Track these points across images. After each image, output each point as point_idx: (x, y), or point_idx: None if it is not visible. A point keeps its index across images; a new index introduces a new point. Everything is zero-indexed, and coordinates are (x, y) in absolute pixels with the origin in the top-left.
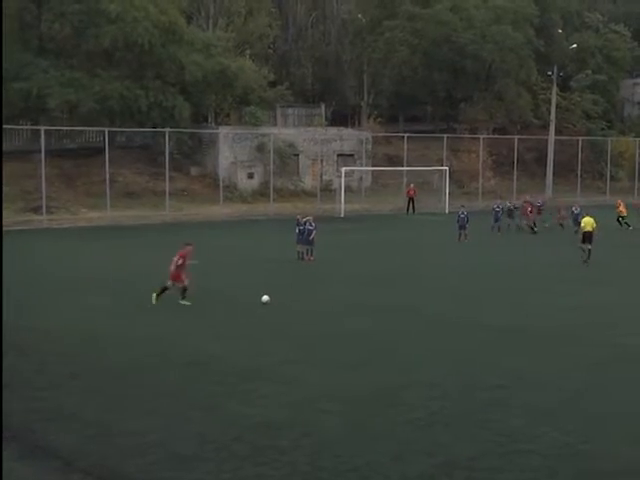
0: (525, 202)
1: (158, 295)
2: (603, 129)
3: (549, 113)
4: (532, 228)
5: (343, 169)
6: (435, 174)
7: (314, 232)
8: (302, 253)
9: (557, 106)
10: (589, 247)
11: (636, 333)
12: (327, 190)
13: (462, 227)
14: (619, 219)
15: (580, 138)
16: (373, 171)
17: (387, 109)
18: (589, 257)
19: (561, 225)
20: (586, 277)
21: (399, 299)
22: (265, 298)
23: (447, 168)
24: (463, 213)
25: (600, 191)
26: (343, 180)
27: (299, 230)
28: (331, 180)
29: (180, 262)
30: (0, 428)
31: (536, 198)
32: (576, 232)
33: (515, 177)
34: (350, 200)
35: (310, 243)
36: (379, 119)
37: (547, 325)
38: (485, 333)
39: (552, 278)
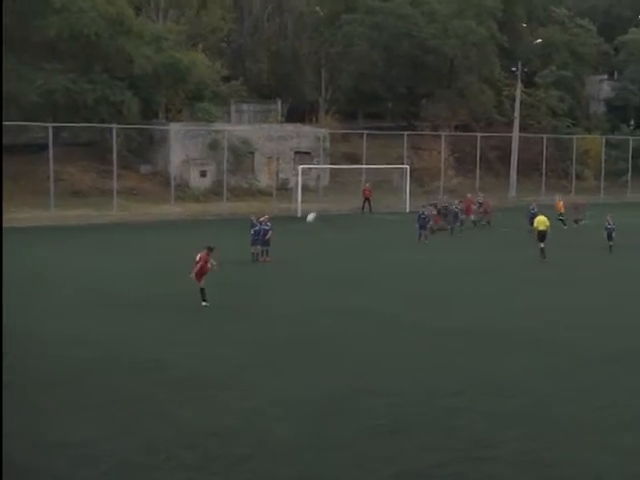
0: (465, 200)
1: (204, 299)
2: (569, 126)
3: (513, 110)
4: (475, 224)
5: (300, 167)
6: (395, 173)
7: (270, 232)
8: (257, 254)
9: (521, 103)
10: (542, 245)
11: (599, 336)
12: (283, 189)
13: (422, 227)
14: (560, 218)
15: (545, 136)
16: (331, 169)
17: (346, 105)
18: (544, 256)
19: (488, 223)
20: (546, 278)
21: (358, 301)
22: (311, 216)
23: (408, 166)
24: (424, 213)
25: (565, 190)
26: (300, 179)
27: (254, 231)
28: (287, 179)
29: (201, 265)
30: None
31: (477, 197)
32: (529, 232)
33: (478, 176)
34: (307, 199)
35: (266, 244)
36: (337, 115)
37: (508, 327)
38: (445, 336)
39: (512, 278)
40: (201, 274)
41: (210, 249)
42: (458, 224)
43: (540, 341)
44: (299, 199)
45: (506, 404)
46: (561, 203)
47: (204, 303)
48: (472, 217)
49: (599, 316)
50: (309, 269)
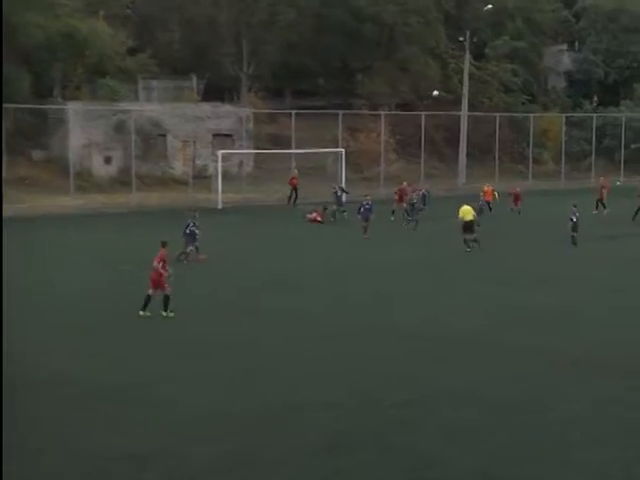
0: (400, 188)
1: (144, 310)
2: (524, 104)
3: (461, 85)
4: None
5: (220, 152)
6: (329, 157)
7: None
8: (186, 254)
9: (470, 77)
10: (473, 237)
11: (563, 339)
12: (201, 177)
13: (366, 219)
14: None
15: (498, 114)
16: (256, 154)
17: (271, 81)
18: (479, 246)
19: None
20: (494, 275)
21: (291, 303)
22: None
23: (343, 150)
24: (368, 204)
25: (522, 176)
26: (220, 165)
27: (190, 230)
28: (206, 165)
29: (161, 266)
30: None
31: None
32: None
33: (423, 160)
34: (229, 189)
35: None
36: (262, 93)
37: (464, 329)
38: (391, 340)
39: (456, 274)
40: (162, 277)
41: (164, 244)
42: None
43: (498, 344)
44: (219, 188)
45: (460, 415)
46: (490, 189)
47: (166, 314)
48: (404, 206)
49: (560, 317)
50: (234, 268)
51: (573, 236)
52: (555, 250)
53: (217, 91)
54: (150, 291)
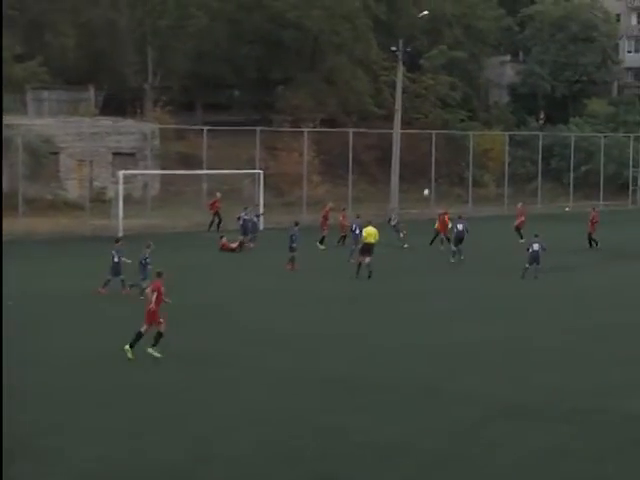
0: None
1: (132, 346)
2: (463, 120)
3: (394, 100)
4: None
5: (121, 173)
6: (246, 179)
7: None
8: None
9: (404, 91)
10: (368, 260)
11: (498, 383)
12: (99, 201)
13: (292, 249)
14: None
15: (434, 132)
16: (162, 175)
17: (180, 94)
18: (370, 274)
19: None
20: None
21: (202, 343)
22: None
23: (261, 171)
24: (296, 232)
25: (461, 200)
26: (121, 187)
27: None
28: (105, 187)
29: (155, 297)
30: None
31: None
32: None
33: (351, 183)
34: (132, 214)
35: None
36: (169, 107)
37: (387, 374)
38: (313, 384)
39: (389, 312)
40: (157, 311)
41: (160, 274)
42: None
43: (439, 390)
44: (120, 214)
45: (390, 474)
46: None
47: (152, 351)
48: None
49: (494, 357)
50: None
51: (527, 268)
52: (497, 283)
53: (118, 104)
54: (144, 327)
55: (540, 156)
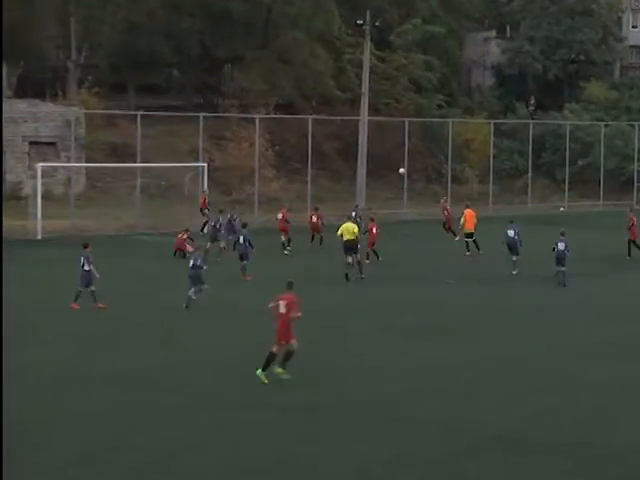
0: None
1: (265, 369)
2: (441, 106)
3: (360, 82)
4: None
5: (39, 165)
6: (188, 174)
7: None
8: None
9: (372, 72)
10: (357, 259)
11: (480, 411)
12: (14, 198)
13: (244, 256)
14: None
15: (407, 120)
16: (88, 169)
17: (109, 74)
18: (361, 271)
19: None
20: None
21: (122, 363)
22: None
23: (205, 165)
24: (245, 237)
25: (437, 198)
26: (40, 183)
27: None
28: (20, 182)
29: (285, 312)
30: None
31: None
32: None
33: (310, 178)
34: (52, 214)
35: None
36: (96, 89)
37: (358, 400)
38: (259, 412)
39: (369, 324)
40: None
41: (291, 285)
42: None
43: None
44: (39, 214)
45: None
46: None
47: (281, 370)
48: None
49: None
50: (56, 318)
51: (561, 271)
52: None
53: (35, 85)
54: (275, 348)
55: (530, 148)
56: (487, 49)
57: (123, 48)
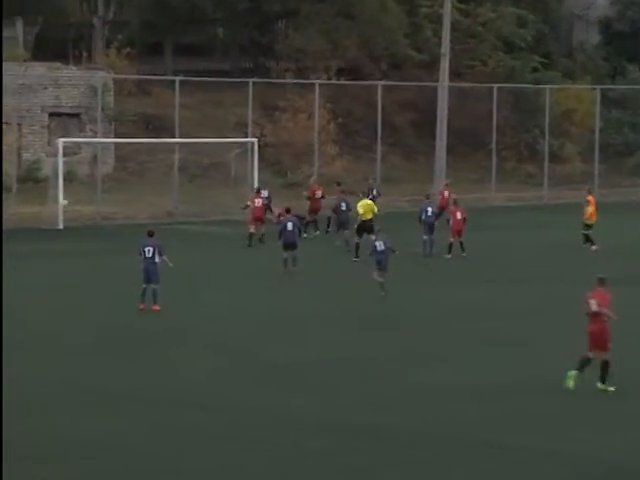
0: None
1: (580, 370)
2: (536, 70)
3: (439, 41)
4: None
5: (60, 141)
6: (234, 151)
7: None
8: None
9: (453, 28)
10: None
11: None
12: (30, 179)
13: (291, 246)
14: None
15: (495, 86)
16: (118, 145)
17: (143, 32)
18: (357, 254)
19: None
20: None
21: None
22: None
23: (255, 140)
24: (295, 223)
25: (532, 181)
26: (61, 162)
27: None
28: (38, 161)
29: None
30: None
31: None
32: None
33: (379, 156)
34: (76, 198)
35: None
36: (127, 50)
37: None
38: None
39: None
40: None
41: (602, 281)
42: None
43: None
44: (60, 198)
45: None
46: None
47: (603, 386)
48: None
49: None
50: (69, 324)
51: None
52: None
53: (56, 45)
54: (590, 353)
55: None
56: (592, 0)
57: (158, 1)
